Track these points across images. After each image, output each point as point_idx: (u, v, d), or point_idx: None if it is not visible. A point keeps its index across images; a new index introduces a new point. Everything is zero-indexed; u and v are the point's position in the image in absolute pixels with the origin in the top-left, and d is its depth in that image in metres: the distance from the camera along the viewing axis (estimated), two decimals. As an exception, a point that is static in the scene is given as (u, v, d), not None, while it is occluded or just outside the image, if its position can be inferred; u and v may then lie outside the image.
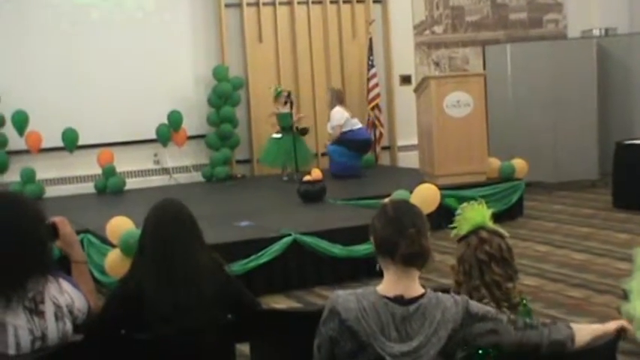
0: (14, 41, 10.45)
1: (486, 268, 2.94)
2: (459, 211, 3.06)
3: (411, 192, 7.62)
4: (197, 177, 11.34)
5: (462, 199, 8.18)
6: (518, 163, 9.59)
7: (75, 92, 10.58)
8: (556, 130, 11.17)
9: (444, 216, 7.52)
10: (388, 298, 2.66)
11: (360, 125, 10.80)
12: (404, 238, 2.66)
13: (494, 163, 9.59)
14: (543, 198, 10.58)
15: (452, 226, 3.06)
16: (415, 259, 2.68)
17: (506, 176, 9.48)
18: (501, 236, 3.00)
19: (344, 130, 10.49)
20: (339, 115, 10.54)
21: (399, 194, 7.45)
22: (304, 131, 10.87)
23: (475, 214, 3.01)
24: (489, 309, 2.77)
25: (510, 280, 2.96)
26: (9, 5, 10.47)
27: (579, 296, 6.19)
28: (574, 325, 2.84)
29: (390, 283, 2.70)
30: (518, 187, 9.44)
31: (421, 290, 2.71)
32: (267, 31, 11.67)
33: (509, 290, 2.94)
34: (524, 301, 2.98)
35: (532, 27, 13.28)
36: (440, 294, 2.72)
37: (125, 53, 10.83)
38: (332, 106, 10.70)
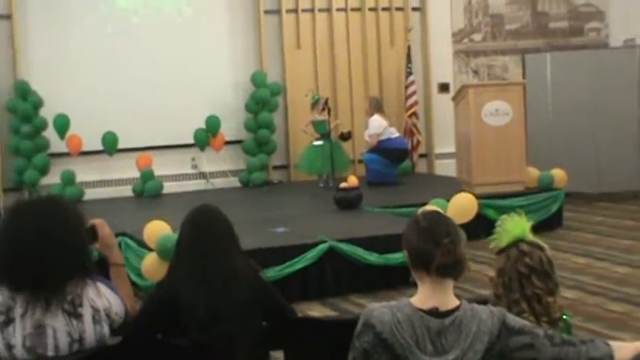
0: (58, 47, 10.61)
1: (527, 281, 2.91)
2: (498, 223, 3.03)
3: (448, 201, 7.58)
4: (234, 182, 11.39)
5: (500, 209, 8.18)
6: (558, 173, 9.50)
7: (115, 97, 10.69)
8: (597, 139, 11.05)
9: (481, 226, 7.49)
10: (423, 310, 2.64)
11: (397, 134, 10.78)
12: (439, 248, 2.64)
13: (533, 172, 9.51)
14: (583, 209, 10.45)
15: (491, 237, 3.03)
16: (451, 269, 2.66)
17: (545, 186, 9.39)
18: (542, 249, 2.97)
19: (381, 138, 10.47)
20: (378, 123, 10.52)
21: (435, 203, 7.41)
22: (347, 136, 10.86)
23: (515, 226, 2.98)
24: (526, 322, 2.73)
25: (551, 294, 2.91)
26: (56, 12, 10.61)
27: (620, 310, 6.09)
28: (614, 343, 2.76)
29: (425, 295, 2.67)
30: (557, 198, 9.35)
31: (456, 302, 2.68)
32: (305, 38, 11.70)
33: (549, 304, 2.90)
34: (565, 317, 2.94)
35: (573, 35, 13.15)
36: (475, 305, 2.69)
37: (164, 59, 10.92)
38: (370, 115, 10.68)
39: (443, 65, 12.37)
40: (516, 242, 2.96)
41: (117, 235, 6.53)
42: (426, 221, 2.72)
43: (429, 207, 6.91)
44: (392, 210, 8.45)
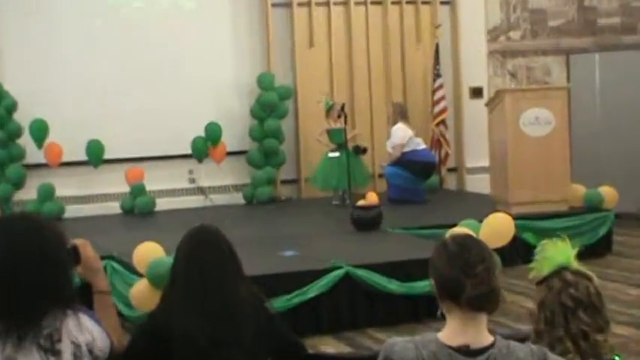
0: (36, 42, 10.62)
1: (572, 316, 2.89)
2: (538, 248, 3.02)
3: (481, 222, 7.57)
4: (237, 198, 11.40)
5: (540, 232, 8.16)
6: (607, 191, 9.47)
7: (102, 100, 10.72)
8: (652, 153, 11.03)
9: (519, 251, 7.46)
10: (452, 347, 2.63)
11: (423, 146, 10.78)
12: (470, 277, 2.64)
13: (578, 190, 9.49)
14: (636, 232, 10.41)
15: (530, 265, 3.02)
16: (484, 302, 2.66)
17: (592, 206, 9.37)
18: (589, 278, 2.95)
19: (405, 149, 10.47)
20: (402, 132, 10.52)
21: (466, 224, 7.40)
22: (362, 151, 10.87)
23: (558, 252, 2.96)
24: (571, 364, 2.72)
25: (600, 331, 2.89)
26: (33, 2, 10.65)
27: (678, 350, 6.06)
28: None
29: (454, 330, 2.67)
30: (606, 219, 9.31)
31: (490, 338, 2.68)
32: (319, 35, 11.73)
33: (598, 343, 2.88)
34: (617, 358, 2.92)
35: (625, 33, 13.12)
36: (512, 342, 2.68)
37: (159, 57, 10.96)
38: (393, 122, 10.69)
39: (476, 67, 12.37)
40: (559, 271, 2.94)
41: (102, 258, 6.56)
42: (455, 246, 2.72)
43: (459, 229, 6.89)
44: (416, 231, 8.45)
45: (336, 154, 10.67)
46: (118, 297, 6.76)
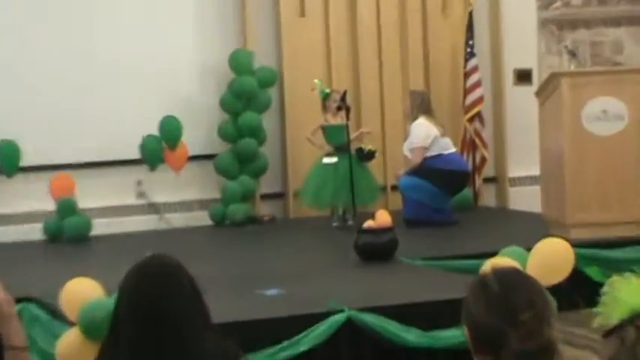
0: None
1: (652, 376, 2.91)
2: (606, 287, 3.02)
3: (529, 250, 7.59)
4: (202, 218, 11.43)
5: (608, 265, 8.16)
6: (697, 210, 9.51)
7: (21, 88, 10.75)
8: None
9: (580, 290, 7.46)
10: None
11: (453, 149, 10.80)
12: (515, 326, 2.66)
13: (660, 208, 9.52)
14: None
15: (596, 309, 3.03)
16: (534, 357, 2.67)
17: (679, 230, 9.40)
18: (673, 329, 2.97)
19: (429, 154, 10.48)
20: (424, 130, 10.53)
21: (510, 254, 7.41)
22: (369, 156, 10.85)
23: (631, 293, 2.97)
24: None
25: (688, 399, 2.91)
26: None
27: None
28: None
29: (495, 394, 2.69)
30: (696, 248, 9.35)
31: (542, 405, 2.69)
32: (312, 0, 11.74)
33: (685, 413, 2.90)
34: None
35: None
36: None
37: (97, 33, 10.99)
38: (412, 118, 10.70)
39: (522, 43, 12.41)
40: (634, 318, 2.95)
41: (17, 300, 6.56)
42: (497, 284, 2.74)
43: (501, 260, 6.89)
44: (442, 263, 8.49)
45: (334, 159, 10.65)
46: (38, 354, 6.75)
